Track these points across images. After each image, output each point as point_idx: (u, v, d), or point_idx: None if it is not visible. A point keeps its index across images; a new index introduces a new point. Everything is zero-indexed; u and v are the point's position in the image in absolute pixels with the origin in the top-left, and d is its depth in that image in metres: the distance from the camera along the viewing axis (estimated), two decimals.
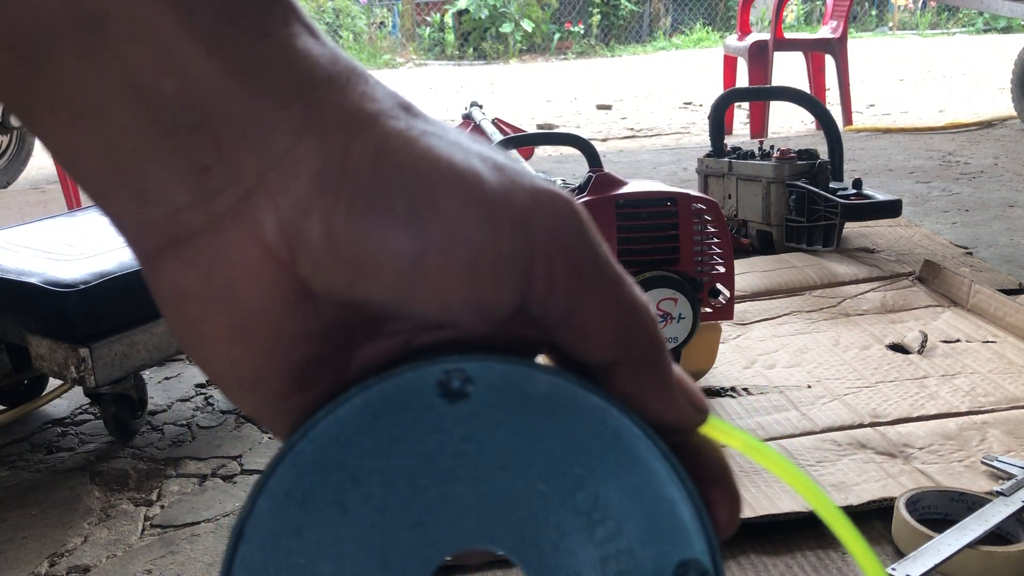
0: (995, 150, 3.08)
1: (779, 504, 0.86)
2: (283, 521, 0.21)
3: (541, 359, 0.24)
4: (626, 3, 10.46)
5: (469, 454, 0.22)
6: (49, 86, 0.19)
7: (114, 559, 0.93)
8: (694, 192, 1.11)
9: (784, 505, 0.86)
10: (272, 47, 0.20)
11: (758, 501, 0.87)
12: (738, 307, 1.42)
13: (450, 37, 10.00)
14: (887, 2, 10.97)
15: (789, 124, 3.83)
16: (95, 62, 0.19)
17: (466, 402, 0.22)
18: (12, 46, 0.19)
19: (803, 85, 3.25)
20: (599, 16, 10.46)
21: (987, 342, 1.28)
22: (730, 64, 3.69)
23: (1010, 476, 0.89)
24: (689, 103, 4.97)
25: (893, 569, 0.76)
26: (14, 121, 2.78)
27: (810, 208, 1.70)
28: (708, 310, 1.12)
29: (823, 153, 1.82)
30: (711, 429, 0.24)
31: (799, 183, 1.70)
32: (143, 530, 0.98)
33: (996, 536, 0.81)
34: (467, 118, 2.89)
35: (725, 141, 1.92)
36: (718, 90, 3.46)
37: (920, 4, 10.90)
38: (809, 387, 1.16)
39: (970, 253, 1.74)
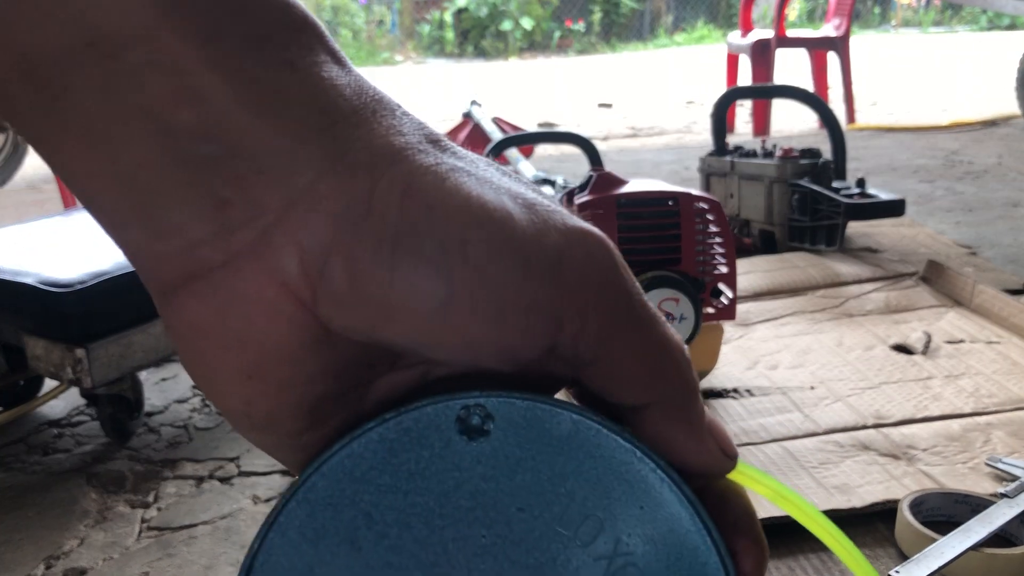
0: (999, 149, 3.07)
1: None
2: (294, 558, 0.21)
3: (563, 395, 0.23)
4: (627, 0, 10.44)
5: (487, 494, 0.21)
6: (65, 115, 0.19)
7: (111, 561, 0.92)
8: (696, 191, 1.10)
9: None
10: (297, 78, 0.19)
11: (760, 504, 0.86)
12: (740, 307, 1.41)
13: (449, 35, 9.99)
14: None
15: (792, 123, 3.82)
16: (112, 91, 0.18)
17: (485, 440, 0.21)
18: (27, 74, 0.18)
19: (806, 83, 3.24)
20: (600, 13, 10.44)
21: (991, 343, 1.27)
22: (732, 62, 3.67)
23: (1014, 478, 0.88)
24: (691, 101, 4.96)
25: (896, 572, 0.75)
26: None
27: (813, 207, 1.69)
28: (710, 310, 1.11)
29: (826, 152, 1.81)
30: (739, 474, 0.24)
31: (802, 182, 1.69)
32: (140, 532, 0.97)
33: (1000, 538, 0.80)
34: (467, 116, 2.88)
35: (727, 140, 1.91)
36: (720, 88, 3.45)
37: (923, 1, 10.87)
38: (812, 388, 1.15)
39: (974, 253, 1.73)
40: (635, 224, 1.06)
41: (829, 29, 3.62)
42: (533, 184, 0.22)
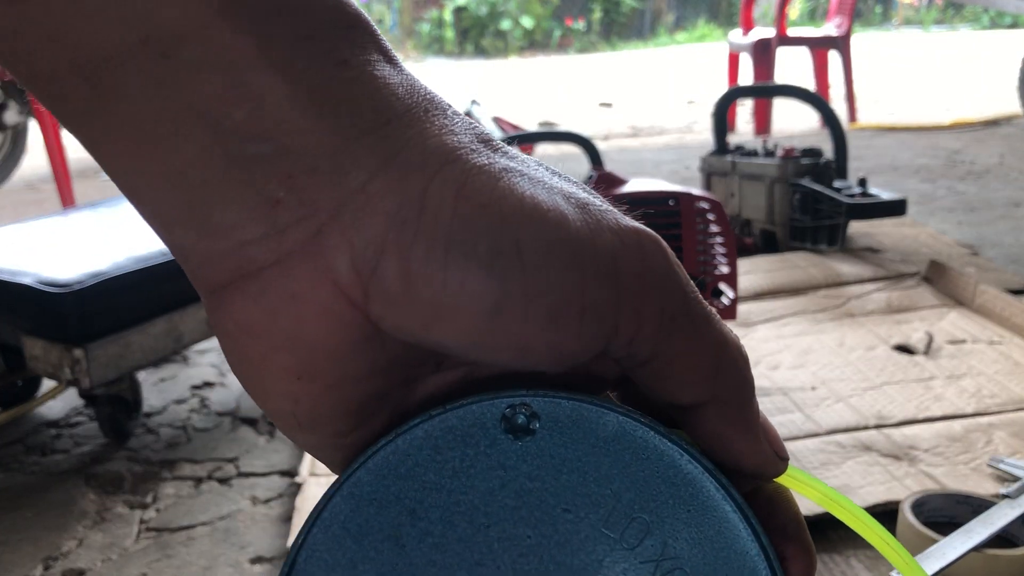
0: (1001, 148, 3.06)
1: None
2: (337, 553, 0.21)
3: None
4: None
5: (532, 493, 0.21)
6: (116, 112, 0.18)
7: (109, 563, 0.92)
8: (697, 191, 1.09)
9: None
10: (349, 76, 0.19)
11: None
12: (742, 307, 1.41)
13: (449, 34, 9.99)
14: None
15: (793, 122, 3.81)
16: (165, 89, 0.18)
17: (531, 439, 0.21)
18: (81, 70, 0.18)
19: (807, 82, 3.23)
20: (601, 12, 10.44)
21: (993, 343, 1.26)
22: (733, 61, 3.67)
23: (1016, 478, 0.87)
24: (692, 100, 4.95)
25: (898, 573, 0.74)
26: (8, 119, 2.77)
27: (814, 207, 1.69)
28: None
29: (828, 151, 1.80)
30: (788, 478, 0.23)
31: (803, 182, 1.68)
32: (138, 533, 0.97)
33: (1002, 539, 0.80)
34: (467, 116, 2.87)
35: (728, 139, 1.90)
36: (721, 87, 3.44)
37: (925, 0, 10.87)
38: (813, 389, 1.15)
39: (976, 253, 1.73)
40: None
41: (830, 28, 3.62)
42: (583, 184, 0.22)
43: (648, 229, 0.20)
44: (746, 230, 1.82)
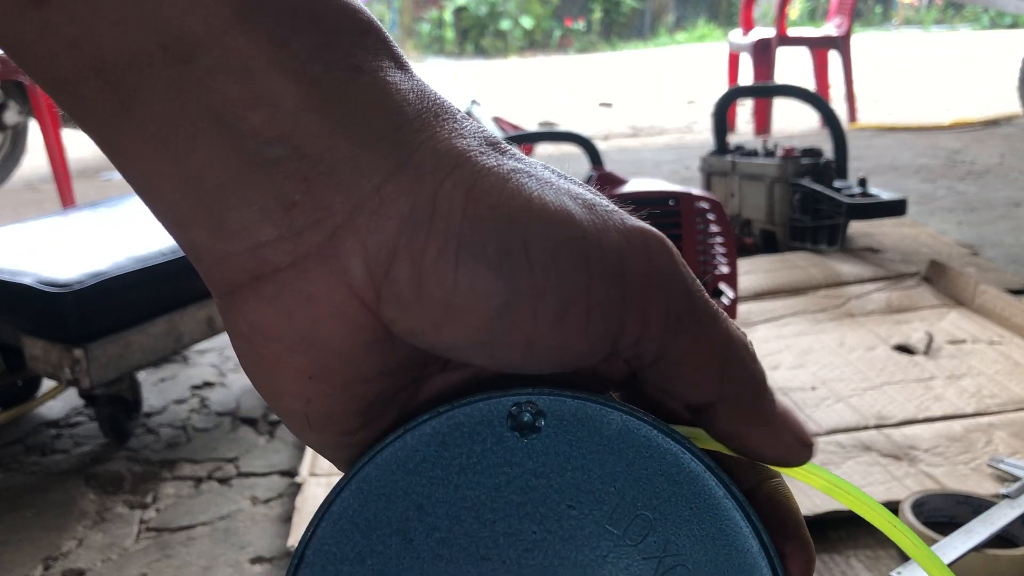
0: (1001, 148, 3.06)
1: None
2: (346, 547, 0.21)
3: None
4: None
5: (538, 490, 0.21)
6: (135, 115, 0.19)
7: (109, 563, 0.92)
8: (697, 191, 1.09)
9: None
10: (363, 82, 0.20)
11: None
12: (742, 307, 1.41)
13: (449, 34, 9.99)
14: None
15: (793, 122, 3.81)
16: (183, 93, 0.19)
17: (536, 436, 0.21)
18: (101, 74, 0.19)
19: (807, 82, 3.23)
20: (601, 12, 10.44)
21: (993, 343, 1.26)
22: (733, 61, 3.67)
23: (1016, 478, 0.87)
24: (692, 100, 4.95)
25: (898, 573, 0.75)
26: (8, 120, 2.77)
27: (814, 207, 1.69)
28: None
29: (828, 151, 1.80)
30: (800, 470, 0.23)
31: (803, 182, 1.68)
32: (138, 533, 0.97)
33: (1002, 539, 0.80)
34: (473, 118, 2.88)
35: (728, 139, 1.90)
36: (721, 87, 3.44)
37: (925, 0, 10.87)
38: (814, 389, 1.15)
39: (976, 253, 1.73)
40: None
41: (830, 28, 3.62)
42: (588, 186, 0.22)
43: (654, 229, 0.21)
44: (746, 230, 1.82)
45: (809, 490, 0.89)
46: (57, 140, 2.43)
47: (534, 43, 10.05)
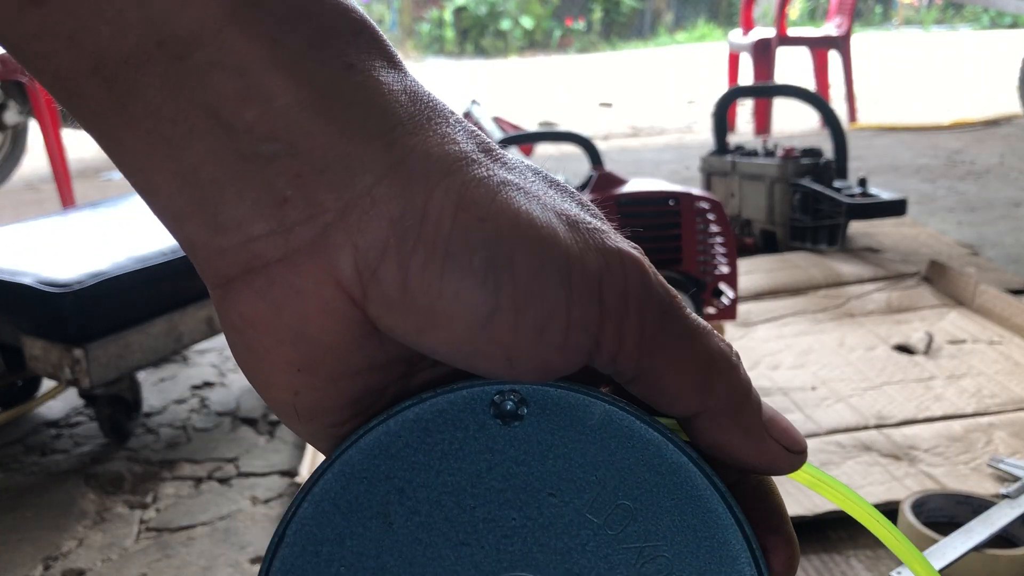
0: (1001, 148, 3.06)
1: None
2: (326, 528, 0.21)
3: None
4: None
5: (519, 477, 0.22)
6: (131, 111, 0.19)
7: (109, 563, 0.92)
8: (697, 191, 1.09)
9: (788, 508, 0.85)
10: (356, 81, 0.20)
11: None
12: (742, 307, 1.41)
13: (449, 33, 9.99)
14: None
15: (793, 122, 3.81)
16: (179, 90, 0.19)
17: (519, 424, 0.22)
18: (99, 72, 0.19)
19: (807, 82, 3.23)
20: (601, 12, 10.45)
21: (993, 343, 1.26)
22: (733, 61, 3.67)
23: (1016, 478, 0.87)
24: (692, 100, 4.95)
25: (898, 572, 0.74)
26: (8, 120, 2.77)
27: (814, 207, 1.69)
28: (711, 311, 1.10)
29: (828, 151, 1.80)
30: (798, 472, 0.24)
31: (803, 182, 1.68)
32: (138, 533, 0.97)
33: (1002, 539, 0.80)
34: (467, 116, 2.87)
35: (728, 139, 1.90)
36: (721, 87, 3.44)
37: (925, 0, 10.87)
38: (814, 389, 1.15)
39: (976, 253, 1.73)
40: (636, 224, 1.05)
41: (831, 28, 3.62)
42: (577, 194, 0.22)
43: (632, 250, 0.21)
44: (746, 230, 1.82)
45: (809, 490, 0.89)
46: (57, 140, 2.43)
47: (534, 43, 10.05)
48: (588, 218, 0.21)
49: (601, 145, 2.64)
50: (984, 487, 0.89)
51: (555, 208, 0.21)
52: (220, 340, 1.42)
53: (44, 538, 0.96)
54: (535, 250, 0.20)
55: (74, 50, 0.19)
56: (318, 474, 0.21)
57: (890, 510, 0.86)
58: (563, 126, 4.11)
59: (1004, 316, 1.33)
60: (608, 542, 0.21)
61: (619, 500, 0.21)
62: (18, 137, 3.12)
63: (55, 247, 1.20)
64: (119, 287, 1.08)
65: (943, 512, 0.84)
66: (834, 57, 3.54)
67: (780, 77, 3.54)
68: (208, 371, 1.40)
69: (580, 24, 10.37)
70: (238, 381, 1.34)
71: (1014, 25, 9.20)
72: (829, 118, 1.83)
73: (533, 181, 0.21)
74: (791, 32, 3.61)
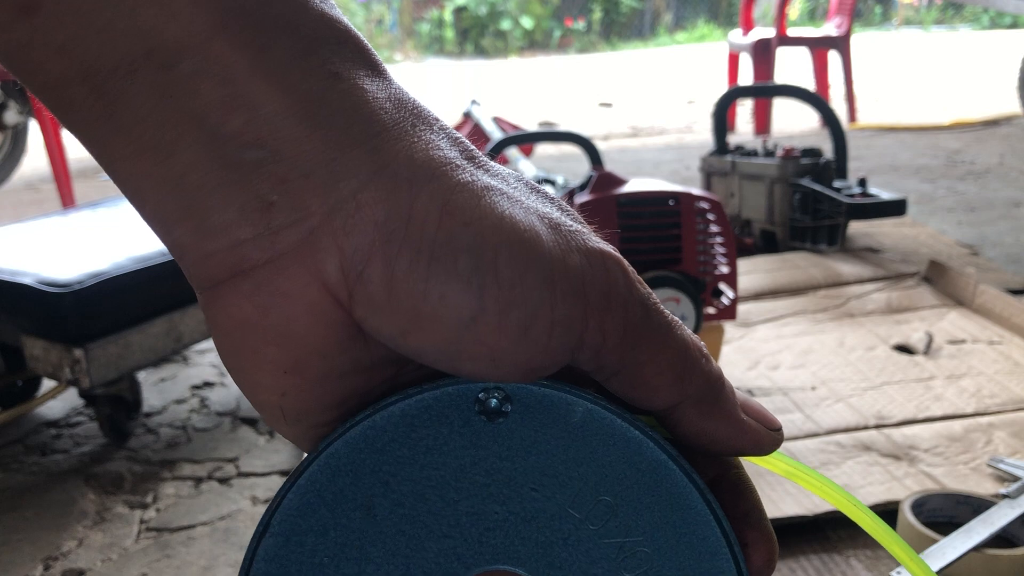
0: (1001, 148, 3.06)
1: (783, 507, 0.85)
2: (311, 519, 0.22)
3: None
4: None
5: (503, 472, 0.22)
6: (120, 119, 0.20)
7: (109, 563, 0.92)
8: (697, 191, 1.09)
9: (788, 508, 0.85)
10: (340, 89, 0.20)
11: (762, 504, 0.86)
12: (742, 307, 1.41)
13: (449, 34, 9.99)
14: None
15: (793, 122, 3.81)
16: (166, 98, 0.19)
17: (503, 421, 0.22)
18: (88, 80, 0.19)
19: (807, 82, 3.23)
20: (600, 12, 10.44)
21: (993, 343, 1.26)
22: (733, 61, 3.67)
23: (1016, 478, 0.87)
24: (692, 100, 4.95)
25: (898, 572, 0.74)
26: (8, 120, 2.77)
27: (814, 207, 1.69)
28: (711, 311, 1.10)
29: (827, 151, 1.80)
30: (767, 460, 0.25)
31: (803, 182, 1.68)
32: (138, 533, 0.97)
33: (1002, 539, 0.80)
34: (467, 116, 2.87)
35: (728, 139, 1.90)
36: (721, 87, 3.44)
37: (925, 0, 10.87)
38: (814, 389, 1.15)
39: (976, 253, 1.73)
40: (636, 224, 1.05)
41: (830, 28, 3.62)
42: (556, 199, 0.23)
43: (612, 250, 0.22)
44: (746, 230, 1.82)
45: (809, 491, 0.89)
46: (57, 140, 2.43)
47: (534, 43, 10.05)
48: (569, 221, 0.22)
49: (601, 145, 2.64)
50: (984, 487, 0.89)
51: (537, 212, 0.21)
52: None
53: (44, 538, 0.96)
54: (518, 252, 0.20)
55: (64, 60, 0.19)
56: (304, 466, 0.22)
57: (890, 510, 0.86)
58: (563, 126, 4.11)
59: (1004, 316, 1.33)
60: (589, 536, 0.22)
61: (600, 496, 0.22)
62: (18, 137, 3.12)
63: (55, 247, 1.20)
64: (119, 287, 1.08)
65: (943, 512, 0.84)
66: (834, 57, 3.54)
67: (780, 77, 3.54)
68: (208, 371, 1.40)
69: (580, 24, 10.36)
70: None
71: (1014, 25, 9.20)
72: (829, 118, 1.83)
73: (515, 187, 0.22)
74: (791, 32, 3.61)
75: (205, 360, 1.44)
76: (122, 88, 0.19)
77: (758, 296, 1.50)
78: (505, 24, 9.84)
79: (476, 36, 9.95)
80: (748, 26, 3.62)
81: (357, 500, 0.22)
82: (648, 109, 4.73)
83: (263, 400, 0.22)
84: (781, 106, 3.79)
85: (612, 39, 10.37)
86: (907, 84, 5.23)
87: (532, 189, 0.22)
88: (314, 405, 0.22)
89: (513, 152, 2.32)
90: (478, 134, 2.71)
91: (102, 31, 0.19)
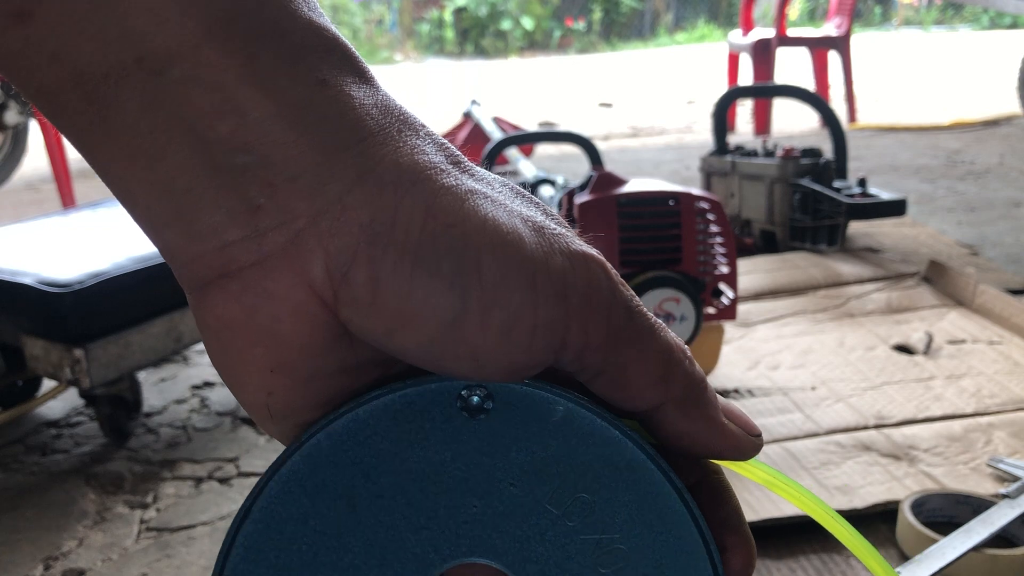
0: (1001, 148, 3.06)
1: (782, 508, 0.85)
2: (291, 508, 0.22)
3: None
4: (627, 0, 10.45)
5: (482, 467, 0.22)
6: (111, 125, 0.20)
7: (109, 562, 0.92)
8: (697, 191, 1.09)
9: (787, 509, 0.85)
10: (328, 95, 0.21)
11: (761, 504, 0.86)
12: (741, 308, 1.41)
13: (449, 34, 9.99)
14: None
15: (793, 122, 3.81)
16: (157, 104, 0.20)
17: (484, 418, 0.22)
18: (80, 86, 0.20)
19: (807, 82, 3.23)
20: (600, 12, 10.44)
21: (993, 343, 1.27)
22: (733, 61, 3.67)
23: (1016, 478, 0.87)
24: (692, 100, 4.95)
25: (898, 572, 0.75)
26: (8, 120, 2.77)
27: (814, 207, 1.69)
28: (711, 311, 1.11)
29: (827, 151, 1.80)
30: (744, 467, 0.25)
31: (803, 182, 1.68)
32: (139, 533, 0.97)
33: (1001, 539, 0.80)
34: (467, 116, 2.87)
35: (728, 139, 1.90)
36: (721, 87, 3.44)
37: (925, 0, 10.87)
38: (813, 389, 1.15)
39: (976, 253, 1.73)
40: (636, 224, 1.05)
41: (830, 28, 3.62)
42: (541, 203, 0.23)
43: (596, 254, 0.22)
44: (746, 230, 1.82)
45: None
46: (58, 141, 2.43)
47: (534, 43, 10.05)
48: (553, 224, 0.22)
49: (601, 145, 2.64)
50: (984, 487, 0.89)
51: (521, 215, 0.22)
52: None
53: (44, 538, 0.97)
54: (501, 254, 0.21)
55: (56, 66, 0.19)
56: (286, 456, 0.22)
57: (890, 510, 0.86)
58: (563, 126, 4.11)
59: (1004, 316, 1.33)
60: (566, 532, 0.22)
61: (578, 493, 0.22)
62: (19, 137, 3.12)
63: (55, 247, 1.20)
64: (119, 287, 1.08)
65: (943, 512, 0.85)
66: (834, 57, 3.54)
67: (780, 77, 3.54)
68: (208, 371, 1.40)
69: (580, 24, 10.36)
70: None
71: (1013, 25, 9.20)
72: (829, 118, 1.83)
73: (500, 191, 0.22)
74: (791, 32, 3.61)
75: (205, 360, 1.44)
76: (113, 94, 0.20)
77: (758, 296, 1.50)
78: (505, 24, 9.84)
79: (476, 36, 9.95)
80: (748, 26, 3.62)
81: (338, 491, 0.22)
82: (648, 109, 4.73)
83: (250, 399, 0.22)
84: (781, 106, 3.79)
85: (612, 39, 10.37)
86: (907, 84, 5.23)
87: (517, 193, 0.23)
88: (300, 404, 0.22)
89: (513, 152, 2.32)
90: (478, 134, 2.71)
91: (94, 39, 0.19)
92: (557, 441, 0.22)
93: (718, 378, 1.19)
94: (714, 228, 1.08)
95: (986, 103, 4.13)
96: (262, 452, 1.13)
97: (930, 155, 2.99)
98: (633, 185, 1.09)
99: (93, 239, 1.23)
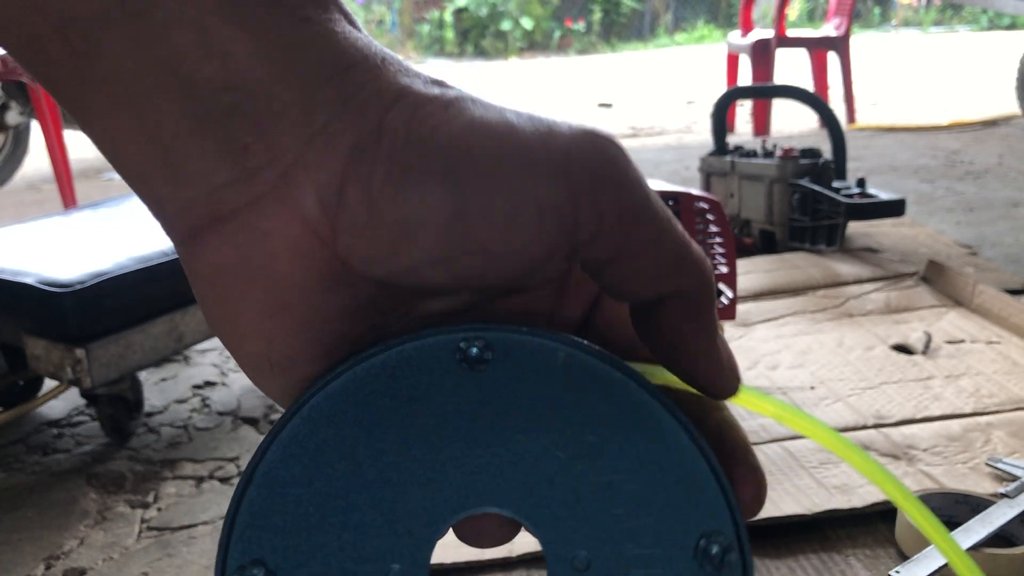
0: (1000, 149, 3.06)
1: (781, 506, 0.85)
2: (294, 470, 0.22)
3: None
4: (627, 0, 10.45)
5: (486, 417, 0.22)
6: (96, 73, 0.20)
7: (110, 562, 0.92)
8: (696, 191, 1.09)
9: (787, 507, 0.85)
10: (312, 32, 0.20)
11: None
12: (741, 307, 1.41)
13: (449, 34, 9.99)
14: None
15: (792, 122, 3.81)
16: (140, 48, 0.19)
17: (485, 368, 0.22)
18: (64, 34, 0.19)
19: (806, 83, 3.24)
20: (600, 13, 10.44)
21: (992, 343, 1.27)
22: (733, 61, 3.67)
23: (1015, 478, 0.88)
24: (691, 101, 4.96)
25: (897, 572, 0.75)
26: (9, 120, 2.77)
27: (813, 207, 1.69)
28: None
29: (826, 152, 1.80)
30: (741, 398, 0.24)
31: (802, 182, 1.68)
32: (140, 532, 0.97)
33: (1000, 538, 0.80)
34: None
35: (728, 139, 1.91)
36: (720, 88, 3.44)
37: (924, 1, 10.87)
38: (812, 388, 1.15)
39: (975, 253, 1.73)
40: None
41: (829, 29, 3.62)
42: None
43: (603, 131, 0.21)
44: (745, 230, 1.82)
45: (807, 489, 0.89)
46: (59, 141, 2.43)
47: (534, 44, 10.05)
48: (554, 118, 0.21)
49: None
50: (983, 486, 0.89)
51: (512, 110, 0.21)
52: None
53: (45, 537, 0.97)
54: (492, 143, 0.20)
55: (38, 14, 0.19)
56: (286, 419, 0.22)
57: (889, 509, 0.86)
58: None
59: (1003, 316, 1.33)
60: (575, 476, 0.22)
61: (585, 436, 0.22)
62: (20, 138, 3.12)
63: (57, 247, 1.20)
64: (121, 287, 1.08)
65: (942, 511, 0.85)
66: (833, 58, 3.55)
67: (779, 78, 3.54)
68: (209, 371, 1.40)
69: (580, 25, 10.37)
70: (239, 381, 1.35)
71: (1012, 26, 9.20)
72: (828, 119, 1.84)
73: (488, 100, 0.21)
74: (790, 33, 3.61)
75: (206, 360, 1.44)
76: (96, 40, 0.19)
77: (757, 296, 1.50)
78: (505, 25, 9.84)
79: (476, 37, 9.96)
80: (747, 27, 3.62)
81: (340, 451, 0.22)
82: (648, 109, 4.73)
83: (249, 351, 0.22)
84: (780, 107, 3.79)
85: (612, 40, 10.37)
86: (906, 85, 5.24)
87: (510, 108, 0.22)
88: (300, 352, 0.21)
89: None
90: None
91: None
92: (560, 386, 0.22)
93: None
94: (713, 228, 1.08)
95: (985, 103, 4.13)
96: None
97: (929, 155, 2.99)
98: None
99: (94, 239, 1.23)
